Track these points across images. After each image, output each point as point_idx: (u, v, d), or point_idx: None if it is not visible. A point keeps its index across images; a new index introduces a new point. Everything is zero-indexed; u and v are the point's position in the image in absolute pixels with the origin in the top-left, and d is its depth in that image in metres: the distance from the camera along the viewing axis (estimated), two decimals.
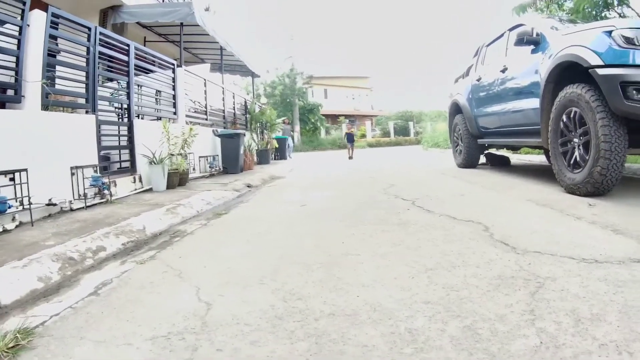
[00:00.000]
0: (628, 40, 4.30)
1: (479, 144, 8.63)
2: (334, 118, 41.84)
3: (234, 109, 13.10)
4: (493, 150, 9.82)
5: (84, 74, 5.55)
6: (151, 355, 1.57)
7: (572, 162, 5.01)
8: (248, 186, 7.33)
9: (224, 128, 11.38)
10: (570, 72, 4.97)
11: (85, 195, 4.84)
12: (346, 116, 38.20)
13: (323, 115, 38.13)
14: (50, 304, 2.16)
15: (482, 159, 9.60)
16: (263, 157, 13.83)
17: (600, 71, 4.41)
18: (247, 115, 14.48)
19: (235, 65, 14.51)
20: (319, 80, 41.42)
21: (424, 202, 4.81)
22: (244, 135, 10.94)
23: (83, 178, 4.95)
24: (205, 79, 10.50)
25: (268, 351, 1.55)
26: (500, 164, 9.46)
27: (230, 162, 10.06)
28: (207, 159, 9.53)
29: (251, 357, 1.52)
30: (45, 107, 4.68)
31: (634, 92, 4.18)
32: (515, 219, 3.81)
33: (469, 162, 9.04)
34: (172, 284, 2.40)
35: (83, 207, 4.74)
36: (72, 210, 4.60)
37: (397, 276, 2.33)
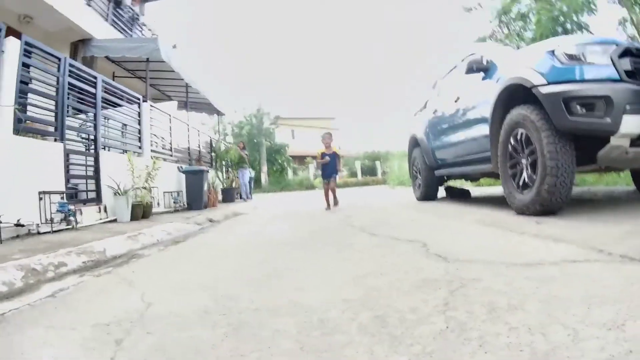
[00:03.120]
0: (571, 57, 4.35)
1: (436, 175, 8.57)
2: (301, 159, 42.10)
3: (199, 147, 13.31)
4: (453, 183, 9.85)
5: (53, 103, 5.75)
6: (90, 335, 1.79)
7: (520, 183, 4.96)
8: (210, 220, 7.48)
9: (189, 165, 11.51)
10: (518, 95, 4.94)
11: (52, 219, 5.01)
12: (313, 157, 38.42)
13: (290, 156, 38.34)
14: (11, 302, 2.36)
15: (444, 193, 9.68)
16: (228, 195, 13.92)
17: (543, 89, 4.43)
18: (213, 154, 14.68)
19: (201, 103, 14.74)
20: (286, 121, 41.66)
21: (373, 227, 4.90)
22: (208, 172, 11.13)
23: (50, 203, 5.11)
24: (170, 115, 10.71)
25: (191, 334, 1.75)
26: (460, 196, 9.47)
27: (194, 198, 10.17)
28: (171, 195, 9.65)
29: (175, 338, 1.72)
30: (16, 131, 4.85)
31: (578, 107, 4.19)
32: (457, 237, 3.92)
33: (428, 195, 9.01)
34: (121, 291, 2.62)
35: (49, 231, 4.91)
36: (39, 233, 4.78)
37: (327, 282, 2.50)
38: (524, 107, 4.77)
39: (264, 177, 33.05)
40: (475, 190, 11.05)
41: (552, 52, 4.52)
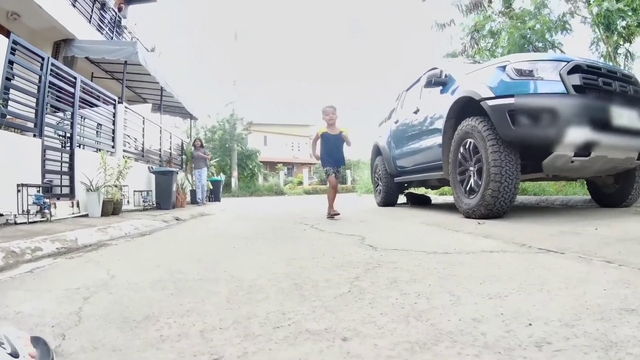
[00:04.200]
0: (520, 73, 4.59)
1: (396, 182, 8.93)
2: (272, 165, 42.39)
3: (171, 149, 13.56)
4: (416, 191, 10.16)
5: (34, 100, 6.02)
6: (62, 294, 2.20)
7: (468, 188, 5.26)
8: (176, 219, 7.80)
9: (160, 166, 11.79)
10: (469, 107, 5.22)
11: (28, 211, 5.33)
12: (284, 163, 38.60)
13: (262, 162, 38.43)
14: None
15: (404, 199, 9.98)
16: (196, 197, 14.17)
17: (490, 102, 4.70)
18: (184, 156, 14.96)
19: (175, 107, 15.01)
20: (258, 127, 41.86)
21: (322, 225, 5.30)
22: (177, 173, 11.40)
23: (27, 195, 5.42)
24: (143, 117, 10.99)
25: (144, 295, 2.12)
26: (420, 203, 9.86)
27: (163, 198, 10.48)
28: (141, 194, 9.94)
29: (130, 297, 2.11)
30: None
31: (522, 118, 4.40)
32: (395, 233, 4.17)
33: (388, 201, 9.37)
34: (90, 268, 3.03)
35: (26, 222, 5.25)
36: (16, 223, 5.13)
37: (264, 262, 2.86)
38: (473, 119, 5.09)
39: (234, 182, 33.24)
40: (439, 198, 11.34)
41: (503, 67, 4.80)
